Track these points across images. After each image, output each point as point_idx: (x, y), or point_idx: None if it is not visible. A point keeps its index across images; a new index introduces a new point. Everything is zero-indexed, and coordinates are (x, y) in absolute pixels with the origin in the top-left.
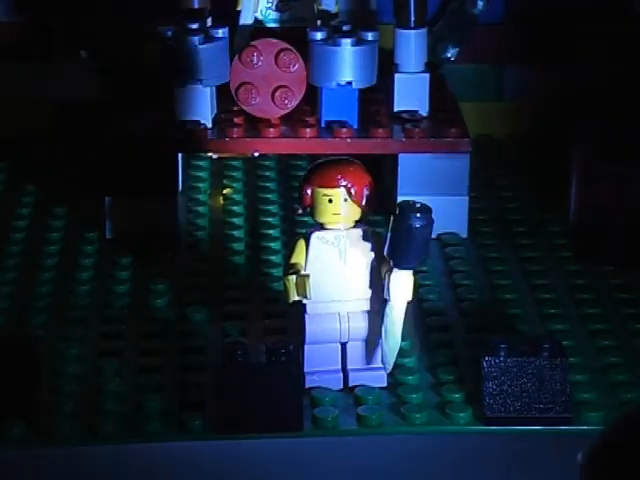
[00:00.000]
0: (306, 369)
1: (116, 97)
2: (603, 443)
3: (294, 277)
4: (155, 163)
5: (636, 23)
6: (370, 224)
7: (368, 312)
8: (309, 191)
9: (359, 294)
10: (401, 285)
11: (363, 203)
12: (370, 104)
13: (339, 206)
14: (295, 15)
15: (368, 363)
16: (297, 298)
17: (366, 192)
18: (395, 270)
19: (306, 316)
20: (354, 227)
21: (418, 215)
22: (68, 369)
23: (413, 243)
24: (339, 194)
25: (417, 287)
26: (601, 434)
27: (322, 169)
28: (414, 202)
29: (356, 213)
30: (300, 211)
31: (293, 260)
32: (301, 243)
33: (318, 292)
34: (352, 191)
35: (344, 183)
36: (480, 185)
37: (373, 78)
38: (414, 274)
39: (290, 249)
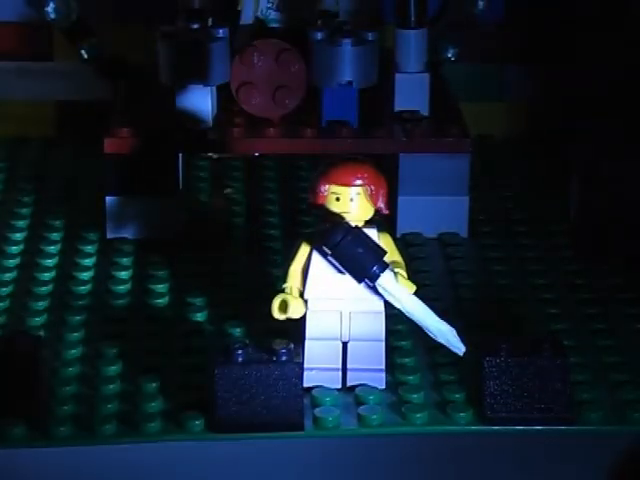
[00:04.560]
0: (306, 365)
1: (116, 97)
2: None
3: (282, 297)
4: (155, 163)
5: (635, 23)
6: (378, 226)
7: (370, 312)
8: (322, 188)
9: (362, 294)
10: (392, 288)
11: (378, 204)
12: (370, 104)
13: (347, 205)
14: (295, 15)
15: (368, 364)
16: (281, 317)
17: (380, 192)
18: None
19: (307, 312)
20: (363, 227)
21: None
22: (68, 369)
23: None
24: (347, 193)
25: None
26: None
27: (334, 167)
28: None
29: (365, 213)
30: (309, 208)
31: (293, 266)
32: (305, 246)
33: (321, 289)
34: (365, 191)
35: (355, 182)
36: (480, 185)
37: (373, 78)
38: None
39: (293, 251)
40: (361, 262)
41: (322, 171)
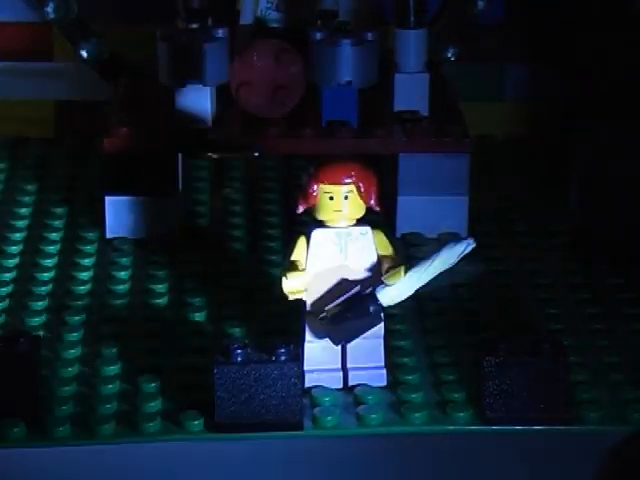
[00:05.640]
0: (306, 367)
1: (116, 97)
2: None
3: (290, 275)
4: (155, 163)
5: (636, 23)
6: (371, 223)
7: None
8: (313, 188)
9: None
10: (396, 296)
11: (370, 201)
12: (370, 104)
13: (340, 203)
14: (295, 15)
15: (368, 362)
16: (293, 297)
17: (372, 190)
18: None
19: (306, 315)
20: (355, 225)
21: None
22: (68, 369)
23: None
24: (340, 191)
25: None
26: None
27: (325, 167)
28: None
29: (358, 211)
30: (300, 210)
31: (293, 257)
32: (302, 240)
33: (319, 290)
34: (357, 189)
35: (347, 180)
36: (480, 185)
37: (373, 78)
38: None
39: (290, 245)
40: (360, 318)
41: (312, 172)
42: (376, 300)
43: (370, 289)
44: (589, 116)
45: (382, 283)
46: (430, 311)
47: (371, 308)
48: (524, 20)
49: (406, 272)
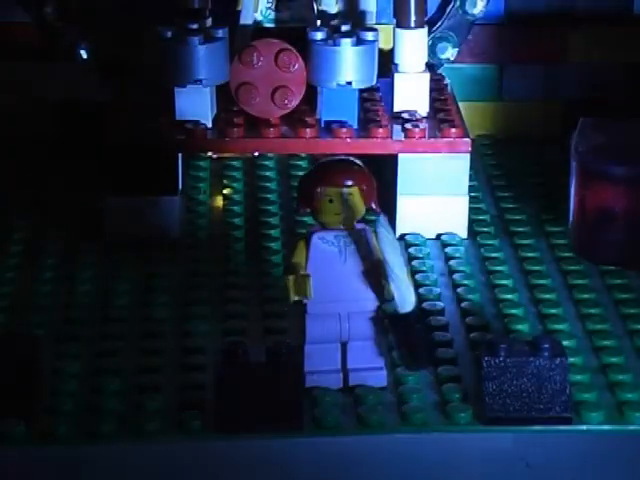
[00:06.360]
0: (306, 369)
1: (116, 97)
2: None
3: (294, 277)
4: (155, 163)
5: (636, 23)
6: (370, 224)
7: (367, 312)
8: (314, 191)
9: (359, 294)
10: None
11: (370, 203)
12: (370, 104)
13: (340, 206)
14: (295, 15)
15: (368, 363)
16: (297, 298)
17: (371, 192)
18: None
19: (307, 316)
20: (355, 227)
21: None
22: (68, 369)
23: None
24: (340, 194)
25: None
26: None
27: (324, 169)
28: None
29: (358, 212)
30: (301, 211)
31: (294, 260)
32: (302, 243)
33: (318, 292)
34: (357, 191)
35: (347, 183)
36: (480, 185)
37: (373, 78)
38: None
39: (291, 249)
40: (408, 339)
41: (312, 174)
42: (397, 317)
43: (388, 315)
44: (589, 116)
45: (387, 301)
46: (430, 311)
47: (406, 313)
48: (524, 20)
49: (388, 282)
